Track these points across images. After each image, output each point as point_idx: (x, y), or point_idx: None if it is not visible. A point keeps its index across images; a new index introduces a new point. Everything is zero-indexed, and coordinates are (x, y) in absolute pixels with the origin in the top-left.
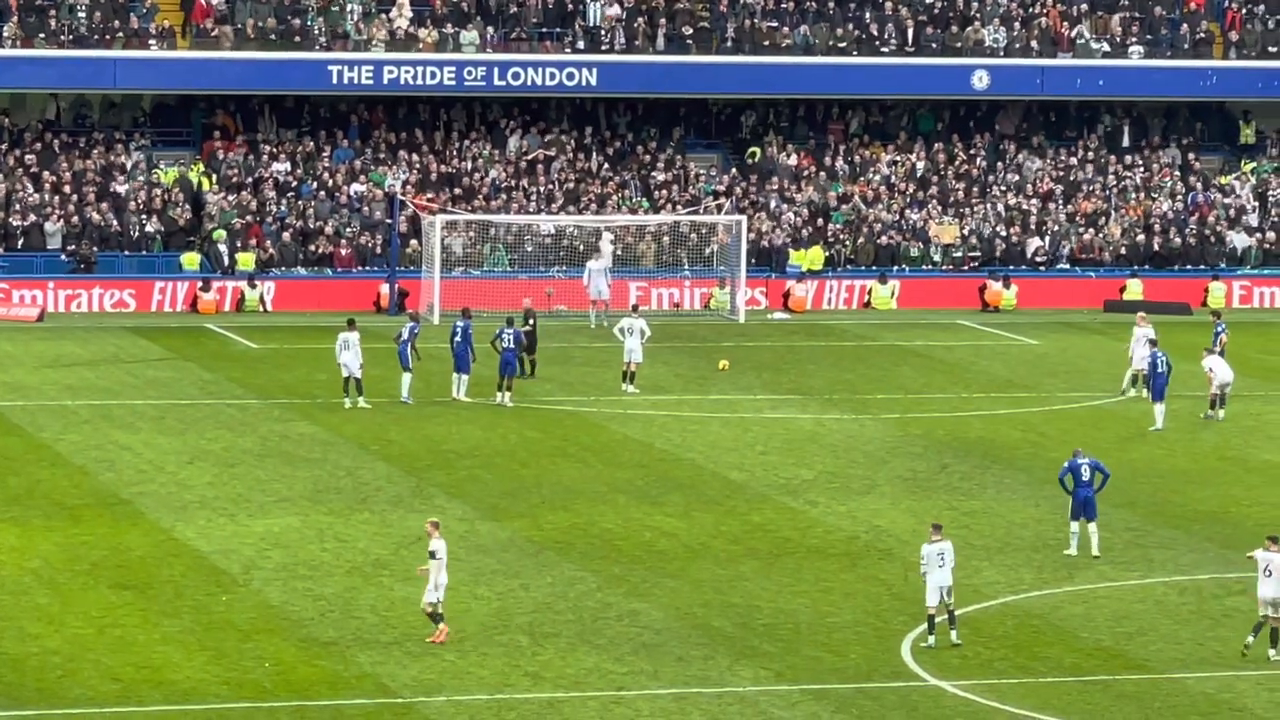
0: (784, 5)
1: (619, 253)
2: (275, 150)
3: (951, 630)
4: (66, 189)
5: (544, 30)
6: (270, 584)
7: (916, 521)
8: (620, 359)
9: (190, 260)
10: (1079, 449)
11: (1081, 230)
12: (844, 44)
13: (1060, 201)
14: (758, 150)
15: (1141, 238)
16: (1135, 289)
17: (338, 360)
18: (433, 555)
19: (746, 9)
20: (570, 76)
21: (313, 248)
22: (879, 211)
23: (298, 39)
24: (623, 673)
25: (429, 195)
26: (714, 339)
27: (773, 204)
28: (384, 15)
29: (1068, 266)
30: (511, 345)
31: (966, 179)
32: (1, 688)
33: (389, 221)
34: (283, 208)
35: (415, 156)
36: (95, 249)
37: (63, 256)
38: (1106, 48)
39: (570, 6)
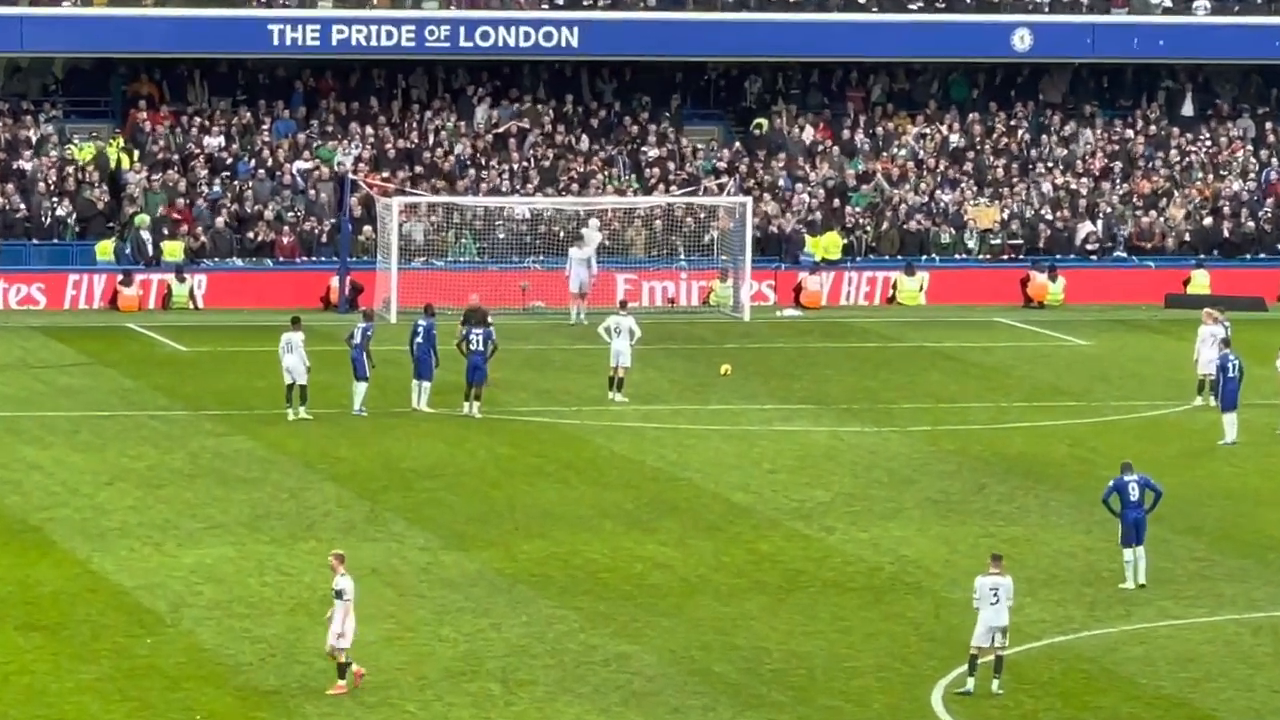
0: None
1: (606, 242)
2: (207, 122)
3: (995, 677)
4: None
5: None
6: (202, 624)
7: (949, 550)
8: (606, 363)
9: (107, 250)
10: (1127, 463)
11: (1139, 213)
12: None
13: (1115, 180)
14: (764, 122)
15: (1209, 221)
16: (1201, 281)
17: (281, 365)
18: (339, 595)
19: None
20: (548, 37)
21: (251, 235)
22: (905, 192)
23: None
24: None
25: (385, 174)
26: (715, 340)
27: (782, 183)
28: None
29: (1123, 255)
30: (481, 348)
31: (1006, 154)
32: None
33: (339, 210)
34: (216, 188)
35: (369, 129)
36: None
37: None
38: (1168, 3)
39: None
